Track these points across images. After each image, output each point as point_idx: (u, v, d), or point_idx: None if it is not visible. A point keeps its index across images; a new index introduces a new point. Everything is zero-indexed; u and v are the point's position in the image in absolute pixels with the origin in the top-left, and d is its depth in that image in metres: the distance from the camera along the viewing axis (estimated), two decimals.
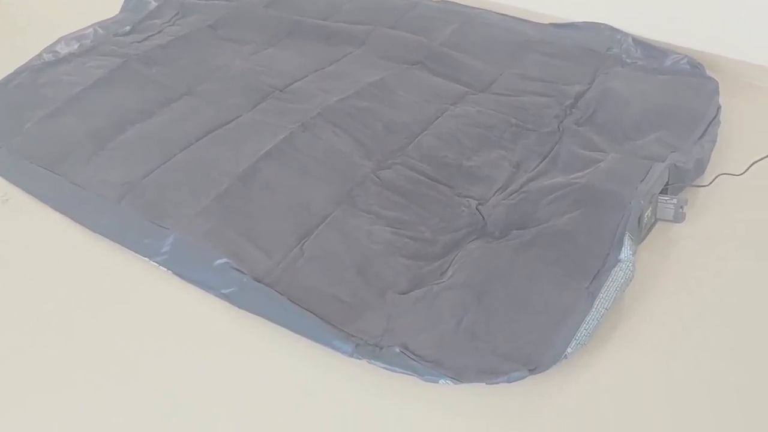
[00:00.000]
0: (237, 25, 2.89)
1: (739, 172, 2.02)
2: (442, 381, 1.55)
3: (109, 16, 2.93)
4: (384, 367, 1.58)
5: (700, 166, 2.09)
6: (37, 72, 2.59)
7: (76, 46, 2.70)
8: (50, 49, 2.69)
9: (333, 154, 2.16)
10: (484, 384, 1.55)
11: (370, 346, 1.64)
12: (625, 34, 2.66)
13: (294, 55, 2.70)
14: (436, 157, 2.17)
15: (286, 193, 2.04)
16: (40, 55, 2.66)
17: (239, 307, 1.76)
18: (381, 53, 2.69)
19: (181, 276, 1.86)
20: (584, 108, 2.37)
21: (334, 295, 1.77)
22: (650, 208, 1.91)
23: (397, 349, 1.61)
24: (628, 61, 2.59)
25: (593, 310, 1.65)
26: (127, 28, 2.85)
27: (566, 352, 1.57)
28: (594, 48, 2.66)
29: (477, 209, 2.01)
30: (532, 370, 1.55)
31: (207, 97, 2.47)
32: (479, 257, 1.84)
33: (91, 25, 2.81)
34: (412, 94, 2.43)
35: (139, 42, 2.76)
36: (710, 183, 2.04)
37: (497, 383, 1.54)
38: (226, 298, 1.78)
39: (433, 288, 1.78)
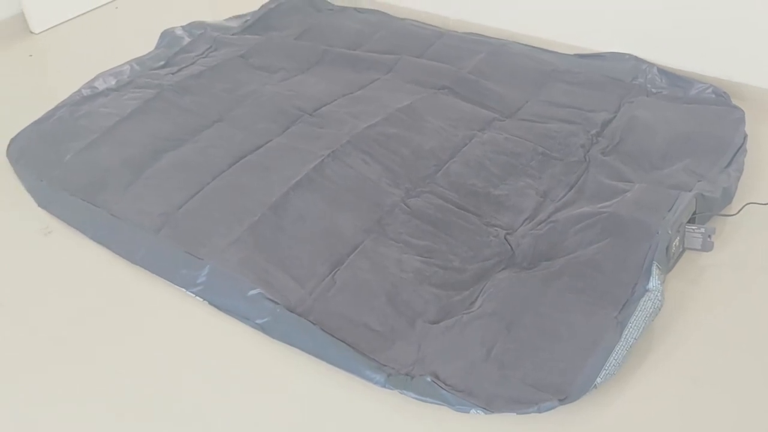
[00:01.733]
0: (268, 54, 2.94)
1: (767, 202, 2.02)
2: (473, 411, 1.57)
3: (144, 53, 3.01)
4: (416, 398, 1.61)
5: (728, 195, 2.10)
6: (76, 106, 2.65)
7: (113, 82, 2.78)
8: (89, 85, 2.77)
9: (362, 182, 2.19)
10: (514, 414, 1.57)
11: (401, 376, 1.66)
12: (650, 64, 2.69)
13: (322, 81, 2.75)
14: (465, 185, 2.20)
15: (317, 223, 2.07)
16: (79, 91, 2.73)
17: (273, 337, 1.80)
18: (408, 79, 2.73)
19: (217, 306, 1.90)
20: (610, 137, 2.39)
21: (365, 324, 1.80)
22: (678, 238, 1.92)
23: (428, 378, 1.63)
24: (653, 90, 2.62)
25: (622, 340, 1.66)
26: (162, 62, 2.92)
27: (596, 382, 1.59)
28: (619, 77, 2.69)
29: (505, 239, 2.03)
30: (562, 400, 1.56)
31: (238, 122, 2.51)
32: (507, 287, 1.86)
33: (128, 62, 2.90)
34: (440, 119, 2.46)
35: (173, 74, 2.83)
36: (738, 212, 2.05)
37: (528, 413, 1.56)
38: (261, 328, 1.82)
39: (463, 318, 1.80)
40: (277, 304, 1.84)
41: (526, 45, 2.95)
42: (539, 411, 1.56)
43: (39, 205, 2.28)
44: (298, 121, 2.49)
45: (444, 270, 1.95)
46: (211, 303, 1.91)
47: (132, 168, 2.32)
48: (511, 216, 2.12)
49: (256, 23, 3.21)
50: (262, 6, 3.33)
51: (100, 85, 2.76)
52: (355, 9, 3.34)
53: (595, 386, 1.59)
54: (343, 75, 2.80)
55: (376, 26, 3.16)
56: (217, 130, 2.49)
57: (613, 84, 2.66)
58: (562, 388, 1.59)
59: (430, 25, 3.17)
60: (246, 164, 2.30)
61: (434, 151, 2.32)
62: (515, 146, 2.34)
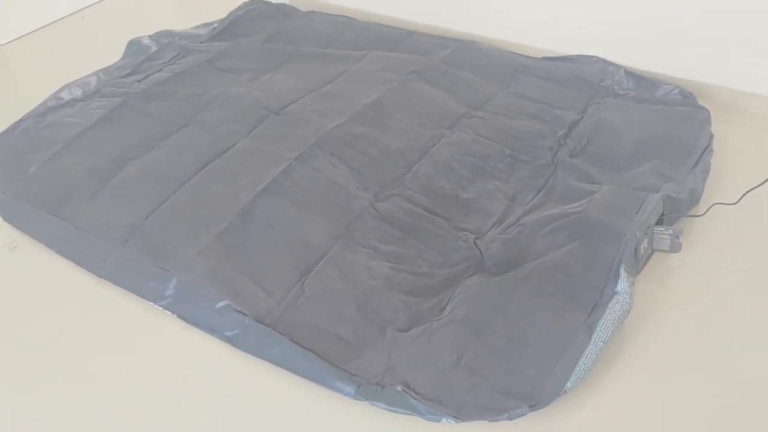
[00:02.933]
0: (235, 57, 2.92)
1: (733, 202, 2.03)
2: (444, 420, 1.56)
3: (111, 63, 2.98)
4: (386, 409, 1.60)
5: (695, 196, 2.11)
6: (41, 117, 2.62)
7: (80, 92, 2.74)
8: (55, 95, 2.73)
9: (330, 186, 2.17)
10: (486, 421, 1.56)
11: (372, 386, 1.65)
12: (617, 66, 2.70)
13: (290, 78, 2.73)
14: (433, 188, 2.19)
15: (285, 230, 2.04)
16: (44, 102, 2.70)
17: (242, 350, 1.78)
18: (378, 67, 2.73)
19: (186, 319, 1.87)
20: (578, 138, 2.40)
21: (335, 333, 1.79)
22: (646, 239, 1.93)
23: (399, 388, 1.62)
24: (621, 92, 2.63)
25: (591, 343, 1.66)
26: (128, 71, 2.88)
27: (566, 387, 1.58)
28: (587, 79, 2.70)
29: (474, 243, 2.03)
30: (533, 406, 1.56)
31: (204, 126, 2.48)
32: (477, 293, 1.86)
33: (94, 72, 2.86)
34: (408, 117, 2.44)
35: (139, 81, 2.79)
36: (705, 213, 2.06)
37: (498, 420, 1.56)
38: (230, 341, 1.80)
39: (433, 324, 1.79)
40: (246, 315, 1.82)
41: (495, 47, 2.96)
42: (510, 418, 1.55)
43: (4, 219, 2.24)
44: (264, 121, 2.46)
45: (413, 276, 1.94)
46: (179, 316, 1.89)
47: (97, 178, 2.29)
48: (479, 220, 2.11)
49: (225, 30, 3.20)
50: (230, 13, 3.31)
51: (66, 96, 2.73)
52: (323, 14, 3.33)
53: (566, 391, 1.59)
54: (311, 70, 2.78)
55: (345, 27, 3.17)
56: (183, 135, 2.46)
57: (582, 83, 2.68)
58: (532, 394, 1.59)
59: (399, 28, 3.16)
60: (213, 169, 2.27)
61: (402, 152, 2.31)
62: (483, 148, 2.33)
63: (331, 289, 1.89)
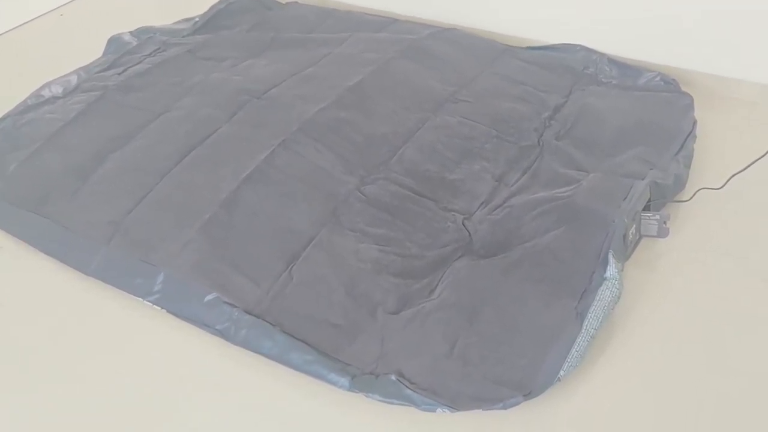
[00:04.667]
0: (216, 46, 2.90)
1: (719, 186, 2.05)
2: (439, 410, 1.56)
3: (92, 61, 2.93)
4: (381, 400, 1.59)
5: (680, 182, 2.12)
6: (20, 115, 2.57)
7: (60, 90, 2.69)
8: (35, 94, 2.67)
9: (315, 171, 2.14)
10: (480, 411, 1.56)
11: (366, 376, 1.64)
12: (601, 54, 2.70)
13: (272, 63, 2.70)
14: (419, 171, 2.17)
15: (270, 218, 2.02)
16: (24, 101, 2.65)
17: (234, 343, 1.76)
18: (361, 49, 2.71)
19: (176, 314, 1.85)
20: (562, 121, 2.40)
21: (325, 320, 1.77)
22: (634, 226, 1.94)
23: (393, 377, 1.61)
24: (604, 80, 2.63)
25: (583, 330, 1.66)
26: (108, 65, 2.84)
27: (559, 375, 1.59)
28: (571, 66, 2.70)
29: (463, 224, 2.02)
30: (527, 395, 1.56)
31: (183, 112, 2.44)
32: (467, 276, 1.85)
33: (75, 71, 2.81)
34: (391, 99, 2.42)
35: (119, 74, 2.75)
36: (691, 198, 2.07)
37: (493, 409, 1.55)
38: (221, 334, 1.78)
39: (424, 307, 1.78)
40: (235, 307, 1.80)
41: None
42: (504, 407, 1.55)
43: None
44: (245, 106, 2.42)
45: (402, 258, 1.93)
46: (169, 311, 1.86)
47: (77, 174, 2.25)
48: (467, 200, 2.11)
49: (206, 24, 3.15)
50: (212, 7, 3.28)
51: (47, 94, 2.67)
52: (304, 5, 3.33)
53: (559, 379, 1.59)
54: (293, 55, 2.75)
55: (326, 15, 3.16)
56: (162, 122, 2.42)
57: (566, 69, 2.68)
58: (525, 383, 1.59)
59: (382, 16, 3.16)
60: (194, 158, 2.22)
61: (387, 136, 2.29)
62: (470, 130, 2.32)
63: (320, 275, 1.87)
